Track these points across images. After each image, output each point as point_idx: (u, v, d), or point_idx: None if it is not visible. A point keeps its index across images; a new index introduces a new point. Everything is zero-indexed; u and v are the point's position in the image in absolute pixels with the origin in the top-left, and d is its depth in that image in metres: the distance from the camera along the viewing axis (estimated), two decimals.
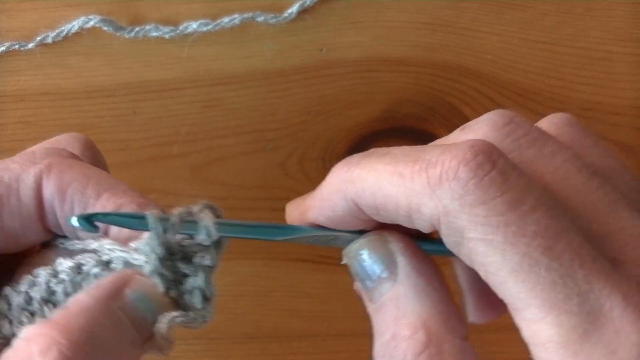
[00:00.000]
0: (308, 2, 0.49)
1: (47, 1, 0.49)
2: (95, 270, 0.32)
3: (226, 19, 0.49)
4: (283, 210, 0.50)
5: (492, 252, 0.25)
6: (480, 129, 0.29)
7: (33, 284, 0.32)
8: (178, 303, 0.32)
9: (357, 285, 0.31)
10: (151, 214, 0.31)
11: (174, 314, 0.31)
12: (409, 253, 0.29)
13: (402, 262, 0.29)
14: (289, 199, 0.50)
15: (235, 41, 0.49)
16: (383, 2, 0.49)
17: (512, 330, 0.27)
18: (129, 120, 0.49)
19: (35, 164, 0.33)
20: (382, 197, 0.28)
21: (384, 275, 0.29)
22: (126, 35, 0.49)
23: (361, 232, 0.31)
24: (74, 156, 0.35)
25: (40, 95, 0.49)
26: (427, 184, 0.26)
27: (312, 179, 0.49)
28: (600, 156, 0.29)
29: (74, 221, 0.31)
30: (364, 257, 0.30)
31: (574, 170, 0.27)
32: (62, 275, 0.32)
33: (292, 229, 0.32)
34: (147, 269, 0.31)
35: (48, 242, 0.34)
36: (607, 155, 0.29)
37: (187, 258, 0.32)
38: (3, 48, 0.48)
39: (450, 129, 0.49)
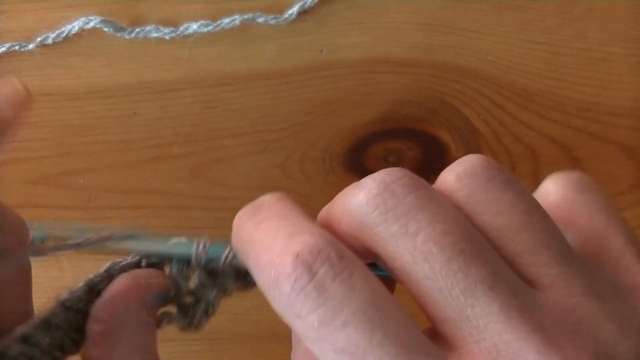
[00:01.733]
0: (308, 3, 0.49)
1: (48, 2, 0.49)
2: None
3: (226, 20, 0.49)
4: None
5: (317, 356, 0.26)
6: (357, 195, 0.27)
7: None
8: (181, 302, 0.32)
9: None
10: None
11: (174, 313, 0.32)
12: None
13: None
14: None
15: (236, 42, 0.49)
16: (383, 3, 0.49)
17: None
18: (129, 121, 0.49)
19: None
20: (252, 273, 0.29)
21: None
22: (126, 36, 0.49)
23: None
24: None
25: (40, 96, 0.49)
26: (266, 284, 0.27)
27: (313, 180, 0.49)
28: (496, 214, 0.27)
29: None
30: None
31: (436, 251, 0.25)
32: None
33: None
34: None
35: None
36: (507, 210, 0.27)
37: (213, 272, 0.33)
38: (3, 49, 0.49)
39: (450, 129, 0.50)
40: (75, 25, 0.48)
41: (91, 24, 0.48)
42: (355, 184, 0.28)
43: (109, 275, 0.32)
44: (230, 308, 0.50)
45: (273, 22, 0.49)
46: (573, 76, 0.50)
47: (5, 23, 0.49)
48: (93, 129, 0.49)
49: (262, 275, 0.27)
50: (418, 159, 0.50)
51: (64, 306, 0.31)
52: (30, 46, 0.49)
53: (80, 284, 0.32)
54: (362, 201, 0.27)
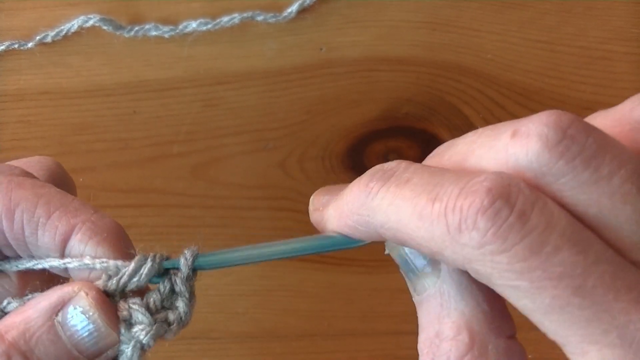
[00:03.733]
0: (308, 1, 0.49)
1: (47, 0, 0.49)
2: None
3: (226, 18, 0.49)
4: (283, 209, 0.50)
5: (520, 296, 0.25)
6: (535, 143, 0.26)
7: None
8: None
9: (403, 274, 0.30)
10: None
11: (139, 341, 0.31)
12: None
13: None
14: (288, 198, 0.50)
15: (235, 40, 0.49)
16: (383, 2, 0.49)
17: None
18: (129, 119, 0.49)
19: None
20: (404, 236, 0.27)
21: (427, 270, 0.29)
22: (126, 35, 0.49)
23: None
24: (26, 174, 0.34)
25: (40, 94, 0.49)
26: (447, 231, 0.25)
27: (312, 178, 0.49)
28: None
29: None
30: (406, 250, 0.29)
31: (635, 191, 0.25)
32: None
33: (327, 241, 0.31)
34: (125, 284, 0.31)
35: None
36: None
37: (129, 324, 0.31)
38: (3, 47, 0.48)
39: (450, 128, 0.50)
40: (74, 24, 0.48)
41: (90, 23, 0.48)
42: (497, 130, 0.27)
43: None
44: (230, 307, 0.50)
45: (272, 20, 0.49)
46: (573, 75, 0.50)
47: (5, 21, 0.49)
48: (93, 128, 0.49)
49: (432, 228, 0.25)
50: (418, 158, 0.49)
51: None
52: (30, 44, 0.49)
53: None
54: (540, 152, 0.25)
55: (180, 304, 0.32)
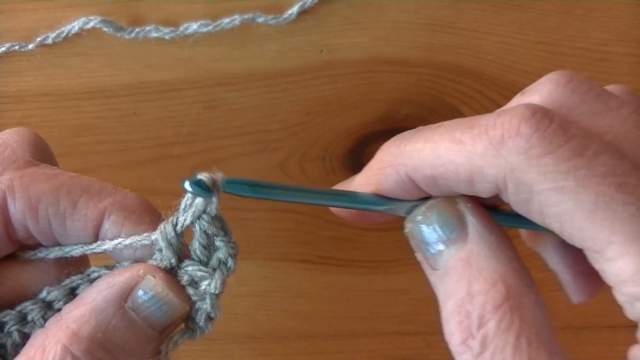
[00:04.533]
0: (308, 3, 0.49)
1: (48, 2, 0.49)
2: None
3: (226, 20, 0.49)
4: (283, 210, 0.50)
5: (565, 198, 0.26)
6: (544, 88, 0.29)
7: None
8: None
9: (419, 255, 0.31)
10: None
11: (179, 335, 0.33)
12: (479, 212, 0.29)
13: (473, 221, 0.29)
14: None
15: (236, 42, 0.49)
16: (383, 3, 0.49)
17: None
18: (129, 121, 0.49)
19: None
20: (441, 166, 0.28)
21: (453, 236, 0.29)
22: (126, 36, 0.49)
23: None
24: (31, 163, 0.33)
25: (40, 96, 0.49)
26: (489, 145, 0.27)
27: (312, 180, 0.49)
28: None
29: (187, 186, 0.31)
30: (433, 219, 0.30)
31: None
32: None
33: (356, 197, 0.32)
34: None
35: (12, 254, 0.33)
36: None
37: (195, 284, 0.33)
38: (3, 49, 0.49)
39: None
40: (75, 25, 0.48)
41: (91, 24, 0.48)
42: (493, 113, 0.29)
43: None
44: (230, 308, 0.50)
45: (273, 22, 0.49)
46: None
47: (5, 23, 0.49)
48: (93, 129, 0.49)
49: (476, 142, 0.27)
50: None
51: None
52: (30, 46, 0.49)
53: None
54: (552, 90, 0.28)
55: (219, 243, 0.33)
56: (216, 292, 0.32)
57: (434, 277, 0.30)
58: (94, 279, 0.32)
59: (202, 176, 0.31)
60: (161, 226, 0.32)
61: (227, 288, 0.51)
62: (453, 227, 0.29)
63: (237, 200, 0.50)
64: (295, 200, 0.33)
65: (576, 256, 0.30)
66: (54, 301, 0.32)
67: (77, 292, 0.32)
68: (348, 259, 0.50)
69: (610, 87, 0.30)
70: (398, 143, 0.30)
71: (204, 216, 0.32)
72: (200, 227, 0.32)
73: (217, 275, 0.33)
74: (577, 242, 0.26)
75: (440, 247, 0.29)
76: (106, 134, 0.49)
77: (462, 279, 0.28)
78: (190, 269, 0.32)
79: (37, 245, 0.33)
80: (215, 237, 0.33)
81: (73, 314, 0.30)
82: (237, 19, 0.49)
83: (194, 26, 0.49)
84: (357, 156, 0.50)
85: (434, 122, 0.50)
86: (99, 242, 0.32)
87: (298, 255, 0.50)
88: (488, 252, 0.28)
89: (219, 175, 0.32)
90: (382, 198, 0.31)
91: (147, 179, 0.49)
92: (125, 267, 0.32)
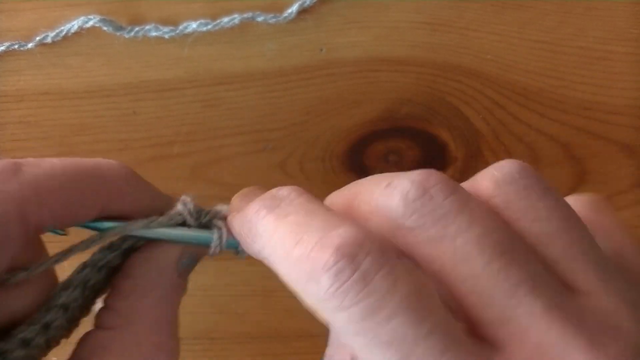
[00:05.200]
0: (308, 2, 0.49)
1: (47, 1, 0.49)
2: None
3: (226, 19, 0.49)
4: None
5: (357, 349, 0.25)
6: (393, 197, 0.27)
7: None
8: None
9: None
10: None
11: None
12: None
13: None
14: None
15: (235, 41, 0.49)
16: (383, 2, 0.49)
17: None
18: (128, 120, 0.49)
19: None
20: (277, 270, 0.29)
21: None
22: (126, 35, 0.49)
23: None
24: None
25: (40, 95, 0.49)
26: (301, 278, 0.26)
27: (312, 179, 0.49)
28: (534, 221, 0.27)
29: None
30: None
31: (475, 253, 0.26)
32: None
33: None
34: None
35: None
36: (545, 217, 0.27)
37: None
38: (3, 48, 0.48)
39: (450, 129, 0.49)
40: (74, 24, 0.48)
41: (90, 23, 0.48)
42: (382, 179, 0.28)
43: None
44: (230, 308, 0.50)
45: (272, 21, 0.49)
46: (573, 75, 0.50)
47: (5, 22, 0.49)
48: (93, 128, 0.49)
49: (293, 269, 0.27)
50: (418, 158, 0.50)
51: (86, 265, 0.33)
52: (30, 45, 0.49)
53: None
54: (399, 204, 0.27)
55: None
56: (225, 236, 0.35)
57: None
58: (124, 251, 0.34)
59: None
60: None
61: (228, 288, 0.51)
62: None
63: None
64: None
65: None
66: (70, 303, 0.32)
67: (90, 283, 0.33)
68: None
69: (495, 170, 0.29)
70: (257, 216, 0.30)
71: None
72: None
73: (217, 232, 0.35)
74: None
75: None
76: (105, 133, 0.49)
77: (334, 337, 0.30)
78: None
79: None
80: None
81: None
82: (236, 18, 0.49)
83: (193, 25, 0.49)
84: (357, 155, 0.50)
85: (435, 121, 0.50)
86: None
87: None
88: None
89: None
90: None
91: (147, 178, 0.49)
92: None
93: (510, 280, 0.25)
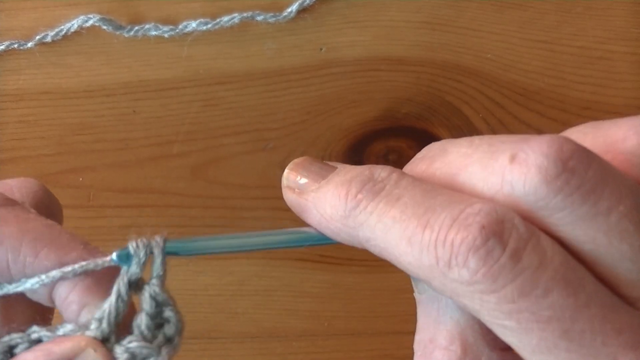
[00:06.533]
0: (307, 1, 0.49)
1: (47, 0, 0.49)
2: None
3: (225, 18, 0.49)
4: (283, 209, 0.50)
5: (508, 334, 0.24)
6: (529, 176, 0.25)
7: None
8: None
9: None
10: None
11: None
12: None
13: None
14: None
15: (235, 40, 0.49)
16: (383, 2, 0.49)
17: None
18: (128, 119, 0.49)
19: None
20: (390, 257, 0.26)
21: None
22: (125, 35, 0.49)
23: None
24: (7, 202, 0.31)
25: (39, 94, 0.49)
26: (436, 264, 0.25)
27: None
28: None
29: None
30: None
31: (633, 228, 0.24)
32: None
33: (305, 235, 0.31)
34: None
35: None
36: None
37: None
38: (2, 47, 0.48)
39: (450, 128, 0.50)
40: (74, 24, 0.48)
41: (90, 22, 0.48)
42: (496, 147, 0.26)
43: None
44: (229, 307, 0.50)
45: (272, 20, 0.49)
46: (573, 74, 0.50)
47: (5, 21, 0.49)
48: (92, 128, 0.49)
49: (424, 256, 0.25)
50: None
51: None
52: (30, 44, 0.49)
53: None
54: (538, 186, 0.24)
55: (170, 314, 0.30)
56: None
57: (416, 297, 0.29)
58: (34, 340, 0.30)
59: (131, 245, 0.29)
60: (118, 281, 0.30)
61: (227, 287, 0.51)
62: None
63: (237, 199, 0.50)
64: (243, 249, 0.31)
65: None
66: None
67: (16, 351, 0.30)
68: (348, 257, 0.50)
69: (621, 122, 0.27)
70: (355, 203, 0.27)
71: (154, 280, 0.30)
72: (150, 293, 0.30)
73: (164, 352, 0.30)
74: None
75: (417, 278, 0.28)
76: (105, 132, 0.49)
77: (430, 320, 0.27)
78: (134, 346, 0.29)
79: None
80: (164, 307, 0.30)
81: None
82: (236, 17, 0.49)
83: (193, 24, 0.49)
84: (357, 155, 0.50)
85: (434, 121, 0.50)
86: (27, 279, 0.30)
87: (298, 255, 0.50)
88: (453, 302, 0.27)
89: (159, 240, 0.29)
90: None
91: (146, 177, 0.49)
92: (66, 337, 0.30)
93: None
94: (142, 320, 0.30)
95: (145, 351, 0.29)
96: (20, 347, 0.30)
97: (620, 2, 0.50)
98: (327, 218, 0.28)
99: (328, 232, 0.29)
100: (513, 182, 0.25)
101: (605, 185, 0.24)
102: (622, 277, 0.24)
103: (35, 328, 0.30)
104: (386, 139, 0.50)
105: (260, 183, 0.49)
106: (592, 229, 0.24)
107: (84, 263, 0.30)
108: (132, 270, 0.29)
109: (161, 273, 0.30)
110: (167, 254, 0.30)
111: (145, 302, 0.30)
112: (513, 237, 0.24)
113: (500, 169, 0.25)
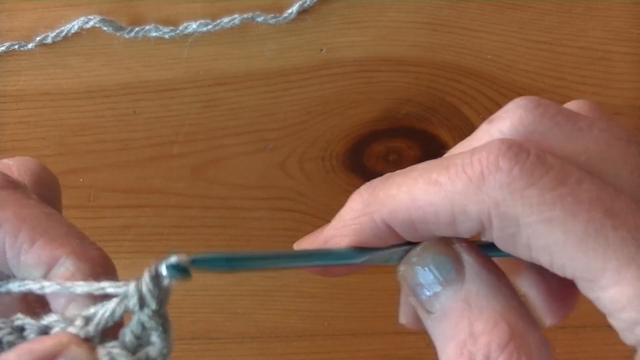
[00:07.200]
0: (308, 2, 0.49)
1: (47, 1, 0.49)
2: (10, 338, 0.29)
3: (226, 19, 0.49)
4: (283, 210, 0.50)
5: (554, 229, 0.25)
6: (514, 115, 0.29)
7: None
8: None
9: (412, 299, 0.29)
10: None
11: None
12: (475, 252, 0.29)
13: (470, 260, 0.28)
14: (289, 198, 0.50)
15: (235, 41, 0.49)
16: (383, 2, 0.49)
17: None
18: (129, 120, 0.49)
19: None
20: (419, 209, 0.27)
21: (450, 276, 0.28)
22: (126, 35, 0.49)
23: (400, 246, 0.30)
24: (10, 184, 0.31)
25: (40, 95, 0.49)
26: (469, 183, 0.26)
27: (312, 179, 0.49)
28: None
29: (163, 270, 0.27)
30: (429, 260, 0.29)
31: (613, 138, 0.27)
32: None
33: (332, 253, 0.30)
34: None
35: None
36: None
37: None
38: (3, 48, 0.48)
39: (450, 128, 0.50)
40: (74, 25, 0.48)
41: (91, 23, 0.48)
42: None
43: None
44: (229, 307, 0.50)
45: (272, 21, 0.49)
46: (573, 75, 0.50)
47: (5, 22, 0.49)
48: (93, 128, 0.49)
49: (455, 183, 0.26)
50: (418, 158, 0.50)
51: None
52: (30, 45, 0.49)
53: None
54: (524, 115, 0.28)
55: (156, 340, 0.29)
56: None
57: (430, 321, 0.29)
58: (16, 327, 0.30)
59: (177, 259, 0.28)
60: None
61: (227, 287, 0.51)
62: (450, 268, 0.28)
63: (237, 199, 0.50)
64: (268, 267, 0.31)
65: (550, 281, 0.30)
66: None
67: None
68: None
69: (572, 104, 0.30)
70: (370, 190, 0.29)
71: (145, 310, 0.29)
72: (138, 318, 0.29)
73: None
74: (568, 272, 0.26)
75: (437, 288, 0.28)
76: (105, 133, 0.49)
77: (462, 320, 0.27)
78: (116, 352, 0.29)
79: None
80: (152, 332, 0.29)
81: None
82: (236, 18, 0.49)
83: (193, 25, 0.49)
84: (357, 155, 0.50)
85: (434, 121, 0.50)
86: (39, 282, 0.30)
87: None
88: (487, 291, 0.28)
89: (183, 258, 0.28)
90: (358, 250, 0.30)
91: (147, 178, 0.49)
92: (50, 335, 0.29)
93: None
94: (127, 335, 0.29)
95: None
96: (1, 332, 0.30)
97: (621, 2, 0.50)
98: (348, 221, 0.30)
99: (351, 236, 0.30)
100: (500, 128, 0.28)
101: (578, 114, 0.28)
102: (617, 181, 0.27)
103: (19, 315, 0.30)
104: (386, 140, 0.50)
105: (260, 183, 0.49)
106: (582, 140, 0.27)
107: (92, 286, 0.29)
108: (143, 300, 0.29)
109: (155, 306, 0.29)
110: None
111: (134, 322, 0.29)
112: (532, 147, 0.26)
113: (484, 131, 0.29)
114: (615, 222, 0.25)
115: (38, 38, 0.49)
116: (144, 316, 0.29)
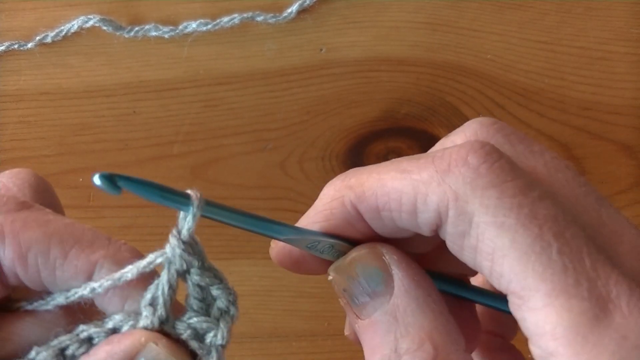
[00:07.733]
0: (308, 2, 0.49)
1: (47, 1, 0.49)
2: (81, 350, 0.30)
3: (226, 19, 0.49)
4: (283, 209, 0.50)
5: (502, 234, 0.25)
6: (469, 128, 0.29)
7: None
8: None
9: (343, 302, 0.30)
10: (195, 196, 0.30)
11: None
12: (405, 265, 0.28)
13: (399, 274, 0.28)
14: (288, 198, 0.50)
15: (235, 41, 0.49)
16: (383, 2, 0.49)
17: None
18: (128, 119, 0.49)
19: None
20: (385, 195, 0.27)
21: (378, 289, 0.28)
22: (126, 35, 0.49)
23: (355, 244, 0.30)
24: (24, 205, 0.31)
25: (39, 94, 0.49)
26: (435, 173, 0.26)
27: (312, 179, 0.49)
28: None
29: (96, 180, 0.28)
30: (358, 271, 0.29)
31: (563, 166, 0.27)
32: None
33: (293, 229, 0.31)
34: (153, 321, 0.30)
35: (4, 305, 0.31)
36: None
37: (199, 337, 0.31)
38: (3, 48, 0.48)
39: (450, 128, 0.49)
40: (74, 24, 0.48)
41: (90, 23, 0.48)
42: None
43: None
44: None
45: (272, 20, 0.49)
46: (573, 75, 0.50)
47: (5, 22, 0.49)
48: (92, 128, 0.49)
49: (422, 171, 0.27)
50: None
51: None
52: (30, 45, 0.49)
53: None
54: (478, 129, 0.28)
55: (216, 292, 0.31)
56: (223, 343, 0.31)
57: (358, 327, 0.29)
58: (84, 339, 0.30)
59: (108, 172, 0.29)
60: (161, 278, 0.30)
61: None
62: (379, 280, 0.28)
63: (237, 199, 0.50)
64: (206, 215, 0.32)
65: (461, 314, 0.30)
66: None
67: (67, 352, 0.30)
68: None
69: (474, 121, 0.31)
70: (343, 177, 0.29)
71: (192, 270, 0.30)
72: (192, 282, 0.30)
73: (222, 324, 0.31)
74: (503, 284, 0.26)
75: (365, 299, 0.28)
76: (105, 132, 0.49)
77: (388, 334, 0.27)
78: (194, 321, 0.30)
79: (33, 293, 0.31)
80: (210, 287, 0.31)
81: None
82: (236, 17, 0.49)
83: (193, 25, 0.49)
84: (357, 155, 0.50)
85: (434, 121, 0.50)
86: (85, 284, 0.30)
87: None
88: (415, 306, 0.28)
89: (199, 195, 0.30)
90: (295, 229, 0.30)
91: (147, 177, 0.49)
92: (124, 334, 0.30)
93: (594, 194, 0.27)
94: (193, 304, 0.30)
95: (205, 325, 0.30)
96: (71, 348, 0.30)
97: (621, 2, 0.50)
98: (320, 208, 0.30)
99: (322, 222, 0.30)
100: (454, 140, 0.29)
101: (532, 139, 0.28)
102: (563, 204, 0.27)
103: (83, 327, 0.30)
104: (386, 139, 0.50)
105: (260, 183, 0.49)
106: (532, 161, 0.28)
107: (139, 264, 0.30)
108: (179, 250, 0.31)
109: (187, 237, 0.32)
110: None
111: (189, 288, 0.30)
112: (506, 155, 0.26)
113: (441, 144, 0.29)
114: (562, 247, 0.25)
115: (38, 37, 0.49)
116: (196, 277, 0.30)
